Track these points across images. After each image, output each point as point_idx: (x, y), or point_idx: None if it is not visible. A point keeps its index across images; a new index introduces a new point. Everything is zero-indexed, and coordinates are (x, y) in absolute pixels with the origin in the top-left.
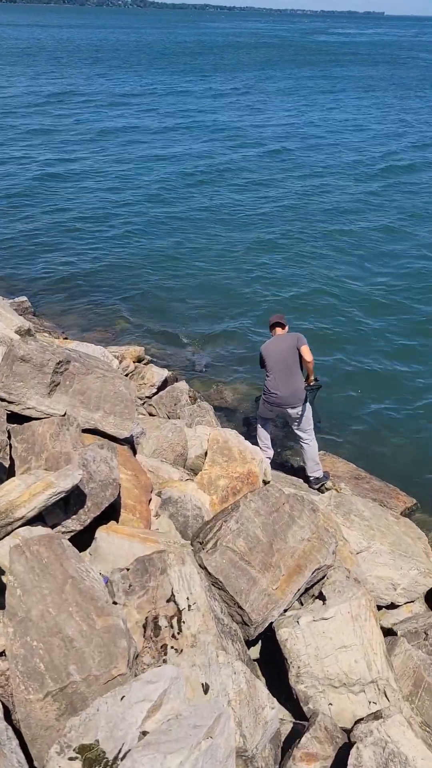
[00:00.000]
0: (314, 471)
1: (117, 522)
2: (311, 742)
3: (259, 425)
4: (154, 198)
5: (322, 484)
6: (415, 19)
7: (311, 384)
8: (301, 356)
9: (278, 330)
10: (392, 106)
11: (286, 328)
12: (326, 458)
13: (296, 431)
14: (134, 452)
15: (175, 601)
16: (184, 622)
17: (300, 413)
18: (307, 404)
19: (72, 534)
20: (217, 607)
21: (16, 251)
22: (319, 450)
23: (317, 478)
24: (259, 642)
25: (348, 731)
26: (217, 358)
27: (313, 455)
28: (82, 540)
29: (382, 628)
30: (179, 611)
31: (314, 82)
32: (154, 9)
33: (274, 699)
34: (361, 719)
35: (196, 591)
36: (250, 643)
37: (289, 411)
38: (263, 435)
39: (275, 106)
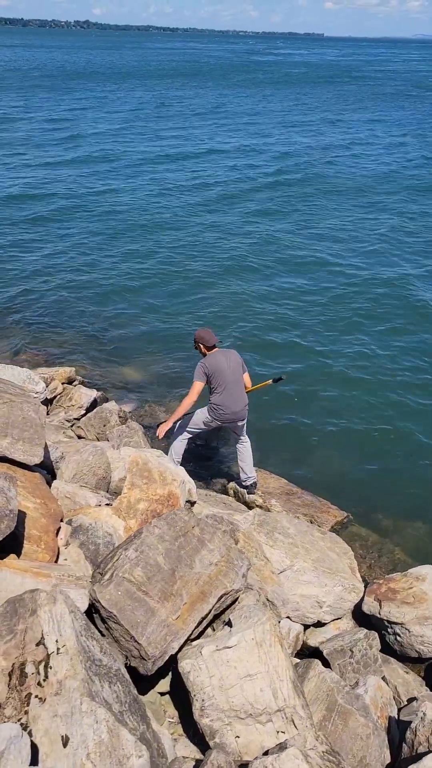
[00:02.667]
0: (253, 472)
1: (20, 554)
2: None
3: (181, 439)
4: (96, 217)
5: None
6: (352, 41)
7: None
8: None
9: (214, 349)
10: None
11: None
12: (258, 474)
13: (240, 437)
14: (54, 477)
15: (44, 645)
16: (50, 668)
17: (245, 422)
18: None
19: None
20: (95, 647)
21: None
22: None
23: (255, 481)
24: (169, 674)
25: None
26: (151, 377)
27: (251, 456)
28: None
29: (309, 647)
30: (48, 655)
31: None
32: (97, 30)
33: (143, 747)
34: (268, 751)
35: (66, 633)
36: (158, 676)
37: (238, 423)
38: (181, 449)
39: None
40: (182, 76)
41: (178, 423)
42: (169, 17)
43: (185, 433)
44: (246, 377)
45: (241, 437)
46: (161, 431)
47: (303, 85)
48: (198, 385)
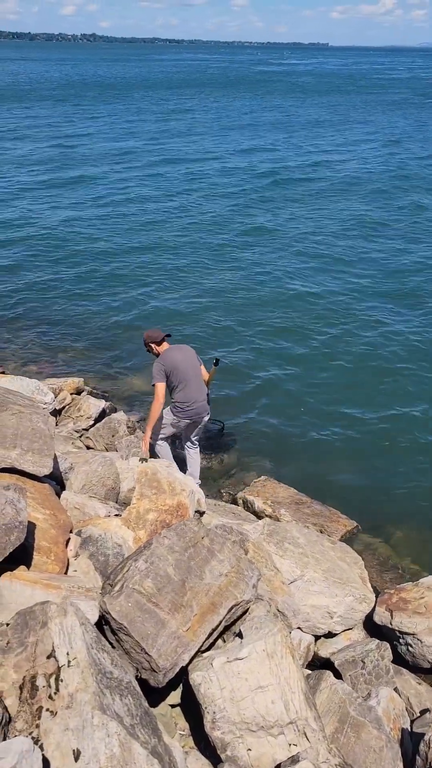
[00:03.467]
0: (198, 480)
1: (30, 566)
2: None
3: (158, 445)
4: (101, 227)
5: None
6: (357, 50)
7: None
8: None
9: (164, 344)
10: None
11: None
12: (267, 483)
13: (192, 440)
14: (63, 488)
15: (55, 657)
16: (62, 681)
17: (207, 419)
18: None
19: None
20: (106, 659)
21: None
22: (259, 475)
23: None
24: (180, 686)
25: None
26: None
27: (199, 464)
28: None
29: (320, 657)
30: (59, 668)
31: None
32: (104, 43)
33: (155, 760)
34: (280, 764)
35: (76, 645)
36: (169, 688)
37: (205, 418)
38: (168, 453)
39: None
40: (188, 87)
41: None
42: (174, 29)
43: (159, 440)
44: (203, 369)
45: (194, 441)
46: (145, 447)
47: (310, 94)
48: (161, 387)
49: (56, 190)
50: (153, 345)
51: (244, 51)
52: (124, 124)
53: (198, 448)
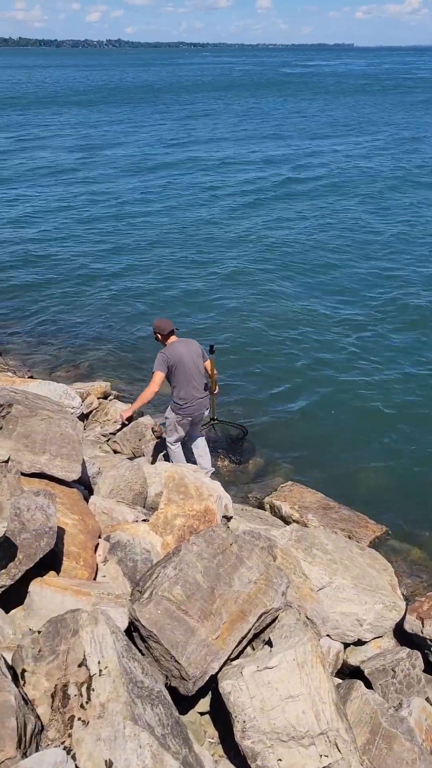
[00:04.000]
0: (210, 465)
1: (59, 571)
2: None
3: (172, 451)
4: (124, 234)
5: None
6: (383, 50)
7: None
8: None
9: (173, 337)
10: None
11: None
12: (294, 488)
13: (193, 436)
14: (91, 493)
15: (86, 666)
16: (93, 690)
17: (207, 414)
18: None
19: (2, 589)
20: (137, 668)
21: None
22: (286, 480)
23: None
24: (209, 694)
25: None
26: None
27: (207, 448)
28: (20, 593)
29: (349, 666)
30: (90, 677)
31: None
32: (129, 48)
33: None
34: None
35: (107, 654)
36: (198, 695)
37: (205, 413)
38: (181, 457)
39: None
40: (214, 90)
41: (165, 439)
42: (199, 33)
43: (171, 445)
44: (209, 365)
45: (199, 437)
46: (122, 416)
47: (334, 94)
48: (158, 375)
49: (79, 198)
50: (160, 336)
51: (270, 53)
52: (148, 128)
53: (203, 436)
